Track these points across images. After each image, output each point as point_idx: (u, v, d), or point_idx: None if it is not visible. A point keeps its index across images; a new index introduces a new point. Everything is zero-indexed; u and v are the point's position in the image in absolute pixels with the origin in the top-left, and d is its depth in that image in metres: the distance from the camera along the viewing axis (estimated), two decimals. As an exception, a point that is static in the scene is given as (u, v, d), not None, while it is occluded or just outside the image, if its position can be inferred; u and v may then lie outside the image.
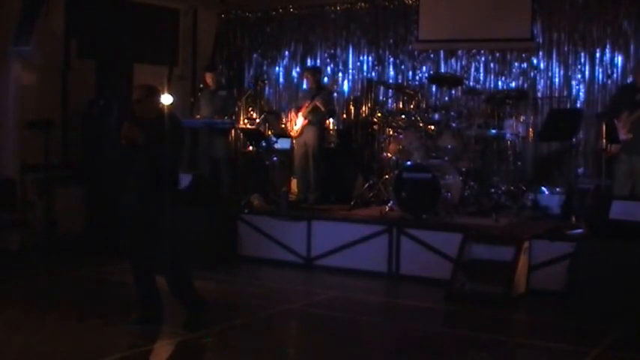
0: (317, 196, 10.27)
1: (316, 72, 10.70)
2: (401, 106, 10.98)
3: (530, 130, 10.23)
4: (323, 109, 10.11)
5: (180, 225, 6.34)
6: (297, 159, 10.43)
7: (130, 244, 6.24)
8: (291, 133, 10.46)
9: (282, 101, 12.13)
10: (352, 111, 11.62)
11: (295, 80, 11.98)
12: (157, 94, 6.29)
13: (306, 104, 10.19)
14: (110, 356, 5.67)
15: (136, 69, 10.31)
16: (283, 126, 11.12)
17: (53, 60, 10.07)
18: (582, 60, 10.09)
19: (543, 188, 9.49)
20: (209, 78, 10.72)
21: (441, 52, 10.96)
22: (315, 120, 10.22)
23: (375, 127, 11.01)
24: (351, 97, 11.63)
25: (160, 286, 6.35)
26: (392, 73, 11.36)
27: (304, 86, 10.92)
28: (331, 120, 10.98)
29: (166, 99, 10.64)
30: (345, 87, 11.68)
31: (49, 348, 5.87)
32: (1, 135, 9.66)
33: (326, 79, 11.66)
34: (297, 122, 10.32)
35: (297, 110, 10.37)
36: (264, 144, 10.53)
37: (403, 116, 9.91)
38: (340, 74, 11.71)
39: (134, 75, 10.20)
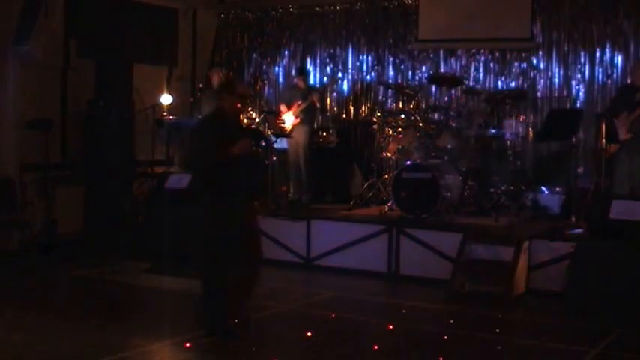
0: (311, 196, 10.26)
1: (306, 74, 10.76)
2: (400, 106, 10.99)
3: (530, 130, 10.24)
4: (318, 104, 10.20)
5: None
6: (289, 158, 10.44)
7: (223, 257, 5.96)
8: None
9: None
10: (352, 111, 11.62)
11: (295, 80, 11.95)
12: None
13: (298, 103, 10.17)
14: (110, 356, 5.67)
15: (136, 69, 10.31)
16: (282, 125, 11.10)
17: (53, 60, 10.07)
18: (582, 60, 10.09)
19: (543, 188, 9.49)
20: (214, 75, 10.66)
21: (441, 52, 10.97)
22: (307, 119, 10.23)
23: (375, 127, 11.01)
24: (351, 97, 11.64)
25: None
26: (391, 73, 11.36)
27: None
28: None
29: (166, 99, 10.71)
30: (345, 87, 11.68)
31: (49, 348, 5.87)
32: (1, 135, 9.64)
33: (326, 78, 11.69)
34: (286, 120, 10.28)
35: (287, 108, 10.28)
36: (264, 144, 10.52)
37: (403, 116, 9.91)
38: (340, 74, 11.71)
39: (134, 75, 10.19)
